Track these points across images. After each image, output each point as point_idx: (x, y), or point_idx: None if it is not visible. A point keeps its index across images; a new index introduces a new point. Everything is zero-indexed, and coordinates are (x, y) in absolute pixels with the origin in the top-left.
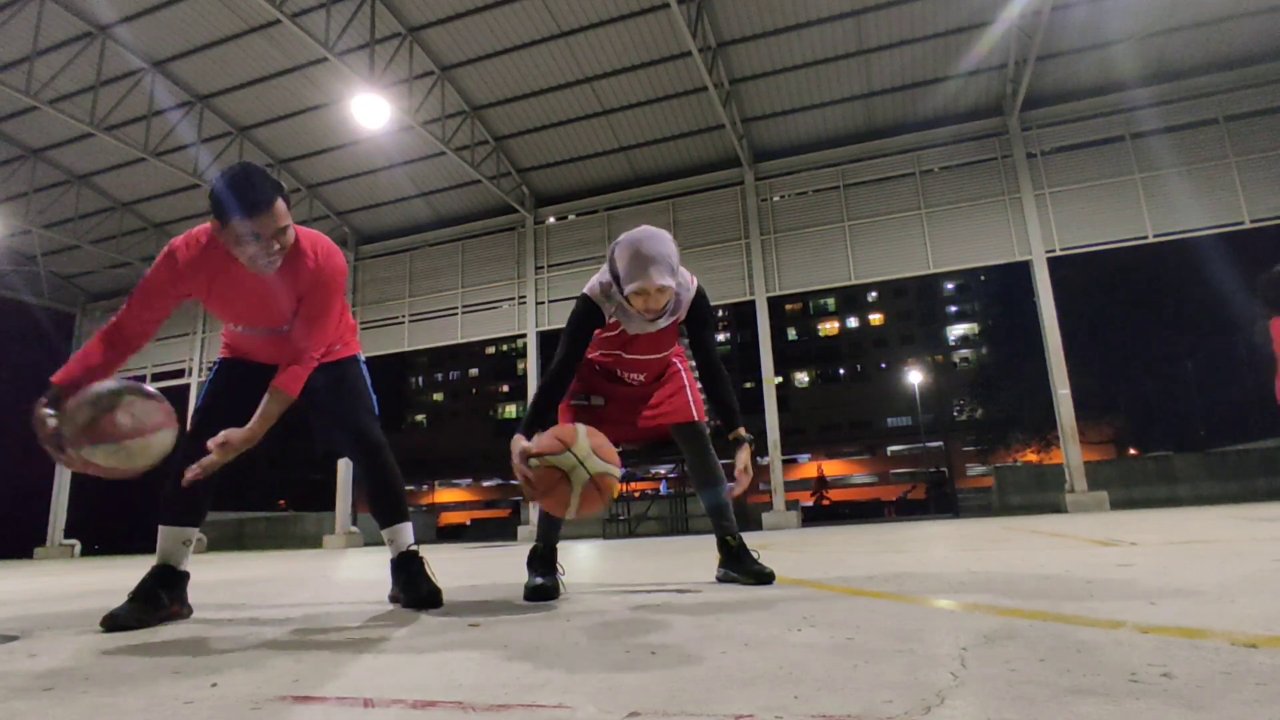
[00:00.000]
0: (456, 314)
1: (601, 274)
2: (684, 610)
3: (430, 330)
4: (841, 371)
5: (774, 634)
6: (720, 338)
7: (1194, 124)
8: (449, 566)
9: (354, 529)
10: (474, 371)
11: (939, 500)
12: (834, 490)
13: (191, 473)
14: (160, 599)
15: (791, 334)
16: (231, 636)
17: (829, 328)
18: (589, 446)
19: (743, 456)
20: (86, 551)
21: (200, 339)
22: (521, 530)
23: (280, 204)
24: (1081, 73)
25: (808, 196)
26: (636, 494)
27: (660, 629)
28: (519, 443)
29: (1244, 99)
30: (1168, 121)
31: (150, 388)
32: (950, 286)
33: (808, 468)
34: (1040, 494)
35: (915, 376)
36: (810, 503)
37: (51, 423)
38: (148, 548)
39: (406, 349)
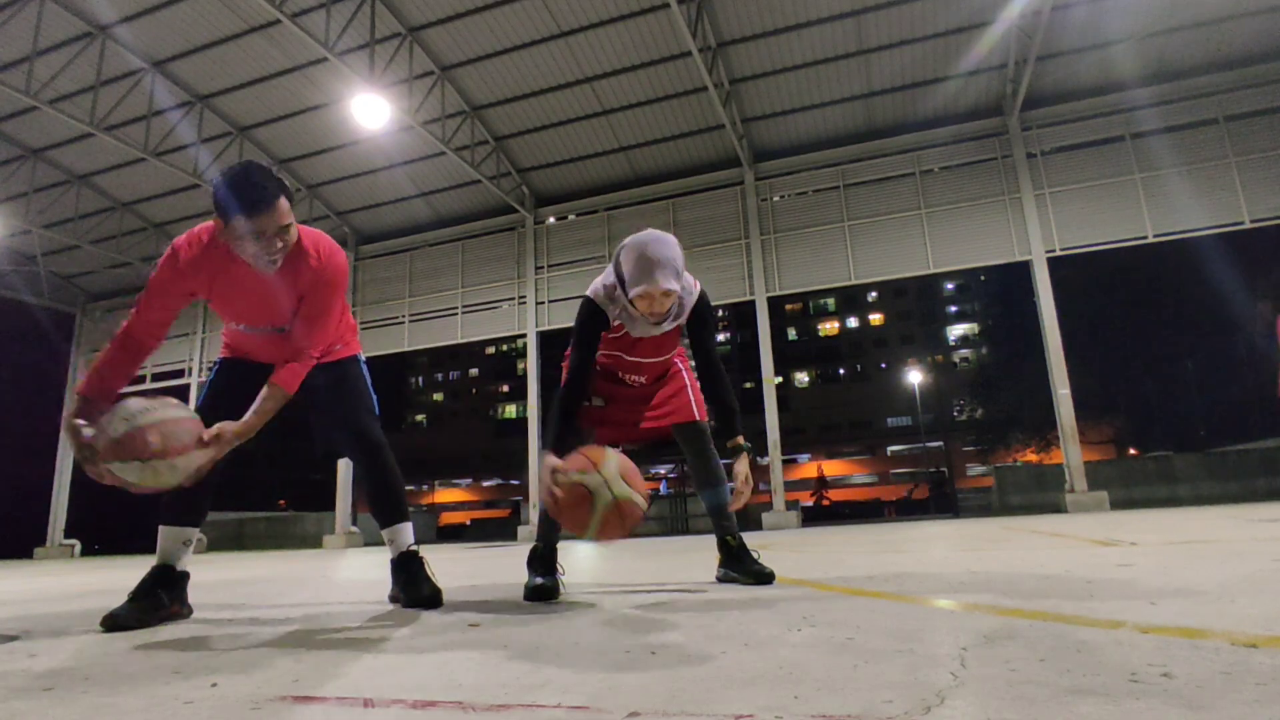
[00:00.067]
0: (456, 314)
1: (605, 276)
2: (684, 610)
3: (430, 330)
4: (841, 371)
5: (774, 634)
6: (720, 338)
7: (1194, 124)
8: (449, 566)
9: (354, 529)
10: (474, 371)
11: (939, 500)
12: (834, 490)
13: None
14: (160, 599)
15: (791, 334)
16: (231, 636)
17: (829, 328)
18: (617, 469)
19: (742, 466)
20: (86, 551)
21: (200, 339)
22: (521, 530)
23: (283, 203)
24: (1081, 73)
25: (808, 196)
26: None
27: (660, 629)
28: (549, 460)
29: (1244, 99)
30: (1168, 121)
31: (185, 407)
32: (950, 286)
33: (808, 468)
34: (1040, 494)
35: (915, 376)
36: (810, 503)
37: (87, 433)
38: (148, 548)
39: (406, 349)
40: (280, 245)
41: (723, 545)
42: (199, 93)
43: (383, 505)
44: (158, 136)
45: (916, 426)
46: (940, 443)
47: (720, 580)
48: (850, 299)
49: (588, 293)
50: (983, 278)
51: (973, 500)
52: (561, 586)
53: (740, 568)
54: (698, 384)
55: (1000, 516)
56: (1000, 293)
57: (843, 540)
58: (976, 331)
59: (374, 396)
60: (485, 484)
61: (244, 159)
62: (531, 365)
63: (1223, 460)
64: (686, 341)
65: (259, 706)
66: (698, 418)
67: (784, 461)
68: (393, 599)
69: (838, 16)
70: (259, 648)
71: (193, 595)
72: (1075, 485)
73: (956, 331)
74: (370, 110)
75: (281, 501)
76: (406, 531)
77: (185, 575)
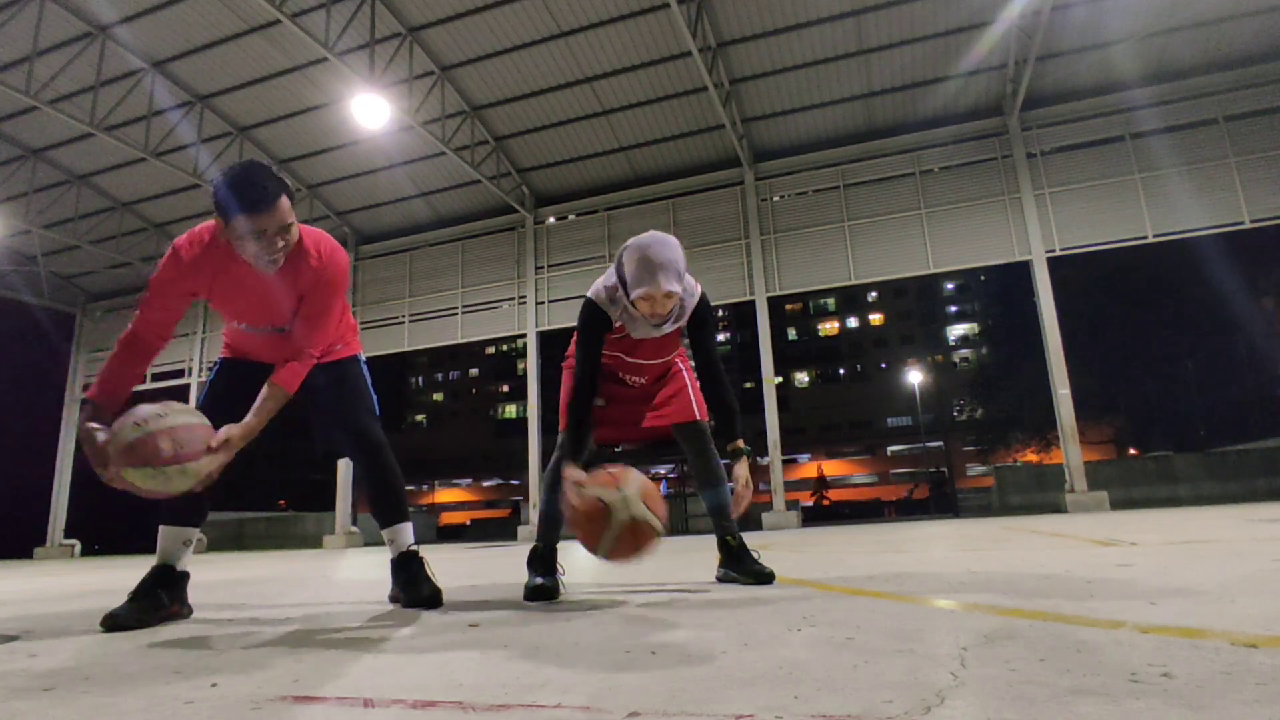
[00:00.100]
0: (456, 314)
1: (606, 277)
2: (684, 610)
3: (430, 330)
4: (841, 371)
5: (774, 634)
6: (720, 338)
7: (1194, 124)
8: (449, 566)
9: (354, 529)
10: (474, 371)
11: (939, 500)
12: (834, 490)
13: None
14: (160, 599)
15: (791, 334)
16: (231, 636)
17: (829, 328)
18: (638, 491)
19: (742, 470)
20: (86, 551)
21: (200, 339)
22: (521, 530)
23: (284, 202)
24: (1081, 73)
25: (808, 196)
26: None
27: (660, 629)
28: (571, 472)
29: (1244, 99)
30: (1168, 121)
31: (196, 412)
32: (950, 286)
33: (808, 468)
34: (1040, 494)
35: (915, 376)
36: (810, 503)
37: (101, 437)
38: (148, 548)
39: (406, 349)
40: (281, 245)
41: (723, 545)
42: (199, 93)
43: (383, 505)
44: (158, 136)
45: (916, 426)
46: (940, 443)
47: (720, 580)
48: (850, 299)
49: (589, 294)
50: (983, 278)
51: (973, 500)
52: (561, 586)
53: (740, 568)
54: (698, 384)
55: (1000, 516)
56: (1000, 293)
57: (843, 540)
58: (976, 331)
59: (374, 396)
60: (485, 484)
61: (245, 159)
62: (531, 365)
63: (1223, 460)
64: (687, 342)
65: (259, 706)
66: (698, 417)
67: (784, 461)
68: (393, 599)
69: (838, 16)
70: (259, 648)
71: (193, 595)
72: (1075, 485)
73: (956, 331)
74: (370, 110)
75: (281, 501)
76: (407, 531)
77: (185, 575)
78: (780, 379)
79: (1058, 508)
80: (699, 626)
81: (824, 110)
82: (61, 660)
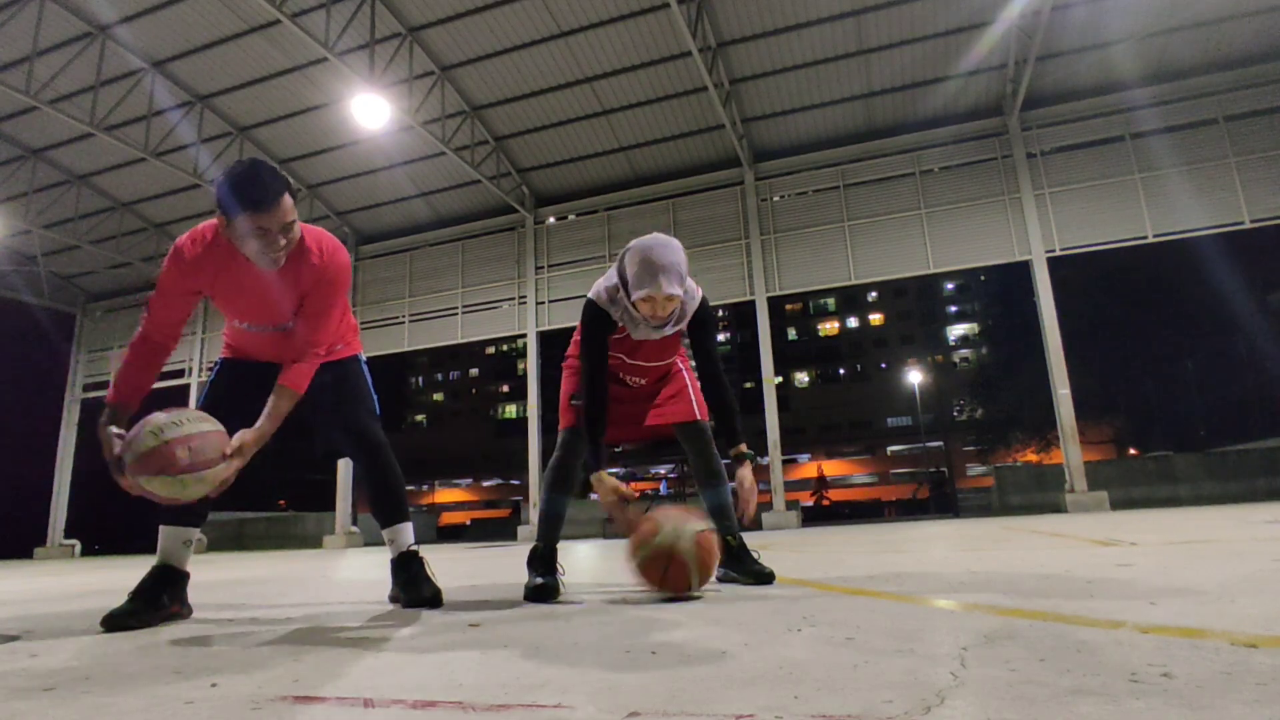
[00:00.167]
0: (456, 314)
1: (607, 278)
2: (684, 610)
3: (430, 330)
4: (841, 371)
5: (774, 634)
6: (720, 338)
7: (1194, 124)
8: (449, 566)
9: (354, 529)
10: (474, 371)
11: (939, 500)
12: (834, 490)
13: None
14: (160, 599)
15: (791, 334)
16: (231, 636)
17: (829, 328)
18: (694, 536)
19: (746, 474)
20: (86, 551)
21: (200, 339)
22: (521, 530)
23: (287, 199)
24: (1081, 73)
25: (808, 196)
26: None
27: (660, 629)
28: (608, 481)
29: (1244, 99)
30: (1168, 121)
31: (211, 419)
32: (950, 286)
33: (808, 468)
34: (1040, 494)
35: (915, 376)
36: (810, 503)
37: (118, 444)
38: (148, 548)
39: (406, 349)
40: (283, 243)
41: (723, 545)
42: (199, 93)
43: (383, 505)
44: (158, 136)
45: (916, 426)
46: (940, 443)
47: (720, 580)
48: (850, 299)
49: (590, 294)
50: (983, 278)
51: (973, 500)
52: (561, 586)
53: (740, 568)
54: (698, 384)
55: (1000, 516)
56: (1000, 293)
57: (843, 540)
58: (976, 331)
59: (375, 396)
60: (485, 484)
61: (246, 158)
62: (531, 365)
63: (1223, 460)
64: (687, 342)
65: (259, 706)
66: (699, 417)
67: (784, 461)
68: (393, 599)
69: (838, 16)
70: (259, 648)
71: (193, 595)
72: (1075, 485)
73: (956, 331)
74: (370, 110)
75: (281, 501)
76: (407, 531)
77: (185, 575)
78: (780, 379)
79: (1058, 508)
80: (699, 626)
81: (824, 110)
82: (62, 660)
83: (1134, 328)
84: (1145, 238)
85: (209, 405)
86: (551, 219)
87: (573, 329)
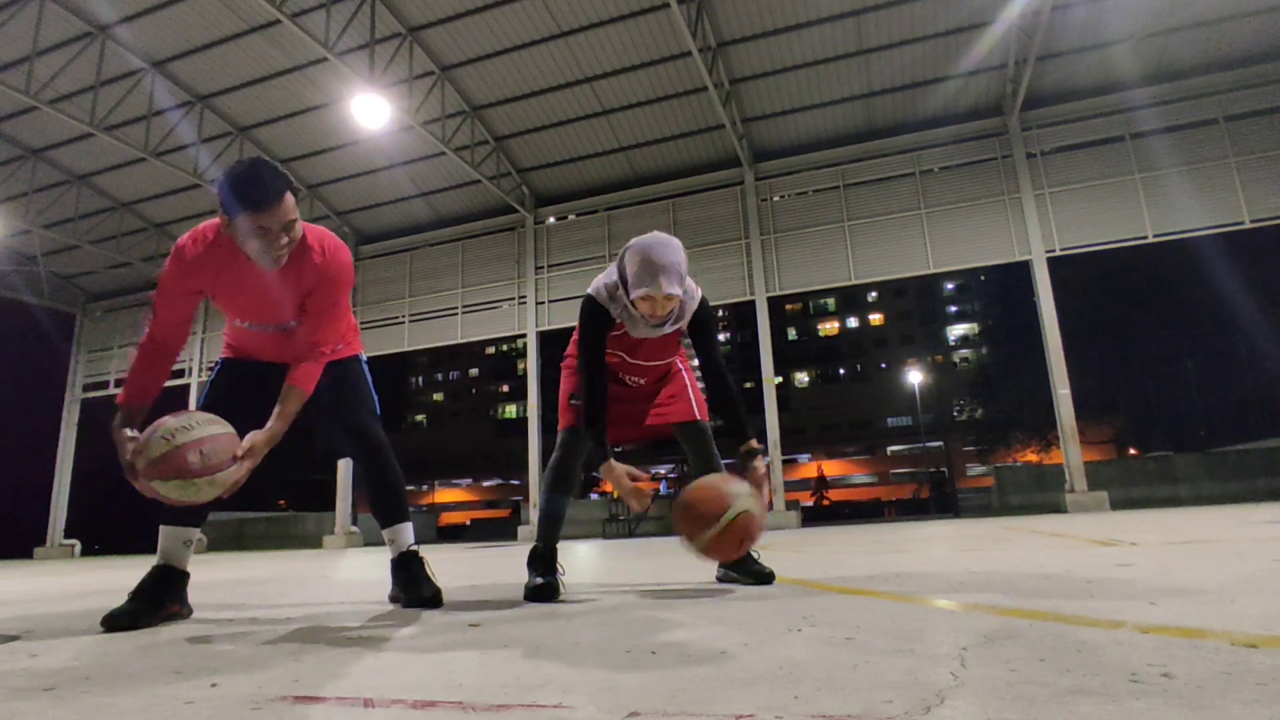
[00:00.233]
0: (456, 314)
1: (607, 275)
2: (684, 610)
3: (430, 330)
4: (841, 371)
5: (774, 634)
6: (720, 338)
7: (1194, 124)
8: (449, 566)
9: (354, 529)
10: (474, 371)
11: (939, 500)
12: (834, 490)
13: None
14: (160, 599)
15: (791, 334)
16: (231, 636)
17: (829, 328)
18: (749, 490)
19: (760, 466)
20: (86, 551)
21: (200, 339)
22: (521, 530)
23: (288, 198)
24: (1081, 73)
25: (808, 196)
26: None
27: (660, 629)
28: (617, 468)
29: (1244, 99)
30: (1168, 121)
31: (222, 422)
32: (950, 286)
33: (808, 468)
34: (1040, 494)
35: (915, 376)
36: (810, 503)
37: (131, 446)
38: (148, 548)
39: (406, 349)
40: (285, 241)
41: None
42: (199, 93)
43: (383, 505)
44: (158, 136)
45: (916, 426)
46: (940, 443)
47: (720, 580)
48: (850, 299)
49: (589, 290)
50: (983, 278)
51: (973, 500)
52: (561, 586)
53: (740, 568)
54: (698, 384)
55: (1000, 516)
56: (1000, 293)
57: (843, 540)
58: (976, 331)
59: (375, 396)
60: (485, 484)
61: (246, 157)
62: (531, 365)
63: (1223, 460)
64: (687, 342)
65: (259, 706)
66: (699, 417)
67: (784, 461)
68: (393, 599)
69: (838, 16)
70: (259, 648)
71: (193, 595)
72: (1075, 485)
73: (956, 331)
74: (370, 110)
75: (281, 501)
76: (407, 531)
77: (186, 575)
78: (780, 379)
79: (1058, 508)
80: (699, 626)
81: (824, 110)
82: (62, 660)
83: (1134, 328)
84: (1145, 238)
85: (209, 405)
86: (551, 219)
87: (572, 329)
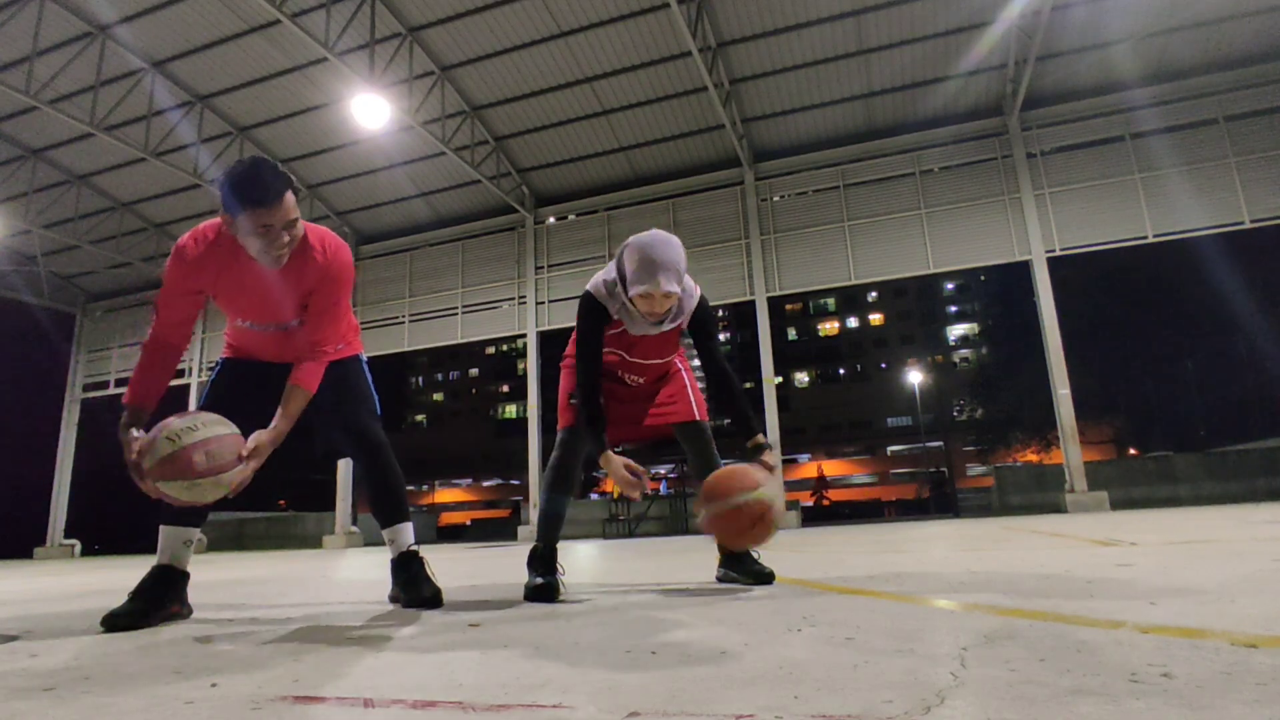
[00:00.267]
0: (456, 314)
1: (606, 272)
2: (684, 610)
3: (430, 330)
4: (841, 371)
5: (774, 634)
6: (720, 338)
7: (1194, 124)
8: (449, 566)
9: (354, 529)
10: (474, 371)
11: (939, 500)
12: (834, 490)
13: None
14: (160, 599)
15: (791, 334)
16: (231, 636)
17: (829, 328)
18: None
19: (770, 460)
20: (86, 551)
21: (201, 339)
22: (521, 530)
23: (289, 197)
24: (1081, 73)
25: (808, 196)
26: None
27: (660, 629)
28: (615, 459)
29: (1244, 99)
30: (1168, 121)
31: (226, 422)
32: (950, 286)
33: (808, 468)
34: (1040, 494)
35: (915, 376)
36: (810, 503)
37: (138, 446)
38: (148, 548)
39: (406, 349)
40: (286, 240)
41: (723, 545)
42: (199, 93)
43: (383, 505)
44: (158, 136)
45: (916, 426)
46: (940, 443)
47: (720, 580)
48: (850, 299)
49: (588, 287)
50: (983, 278)
51: (973, 500)
52: (561, 586)
53: (740, 568)
54: (697, 384)
55: (1000, 516)
56: (1000, 293)
57: (843, 540)
58: (976, 331)
59: (375, 396)
60: (485, 484)
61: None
62: (531, 365)
63: (1223, 460)
64: (687, 341)
65: (259, 706)
66: (698, 417)
67: (784, 461)
68: (393, 599)
69: (838, 16)
70: (259, 648)
71: (193, 595)
72: (1075, 485)
73: (956, 331)
74: (370, 110)
75: (281, 501)
76: (407, 531)
77: (186, 575)
78: (780, 379)
79: (1058, 508)
80: (699, 626)
81: (824, 110)
82: (62, 660)
83: (1134, 328)
84: (1145, 238)
85: (210, 405)
86: (551, 219)
87: (572, 329)
